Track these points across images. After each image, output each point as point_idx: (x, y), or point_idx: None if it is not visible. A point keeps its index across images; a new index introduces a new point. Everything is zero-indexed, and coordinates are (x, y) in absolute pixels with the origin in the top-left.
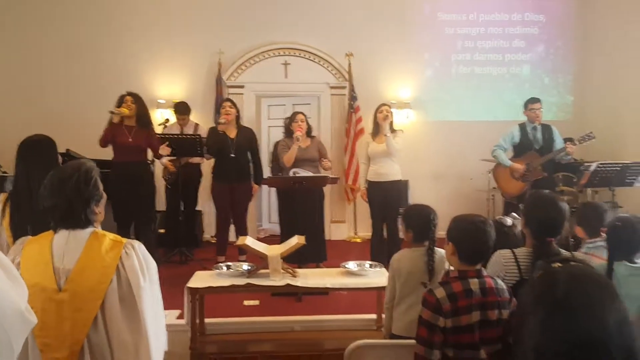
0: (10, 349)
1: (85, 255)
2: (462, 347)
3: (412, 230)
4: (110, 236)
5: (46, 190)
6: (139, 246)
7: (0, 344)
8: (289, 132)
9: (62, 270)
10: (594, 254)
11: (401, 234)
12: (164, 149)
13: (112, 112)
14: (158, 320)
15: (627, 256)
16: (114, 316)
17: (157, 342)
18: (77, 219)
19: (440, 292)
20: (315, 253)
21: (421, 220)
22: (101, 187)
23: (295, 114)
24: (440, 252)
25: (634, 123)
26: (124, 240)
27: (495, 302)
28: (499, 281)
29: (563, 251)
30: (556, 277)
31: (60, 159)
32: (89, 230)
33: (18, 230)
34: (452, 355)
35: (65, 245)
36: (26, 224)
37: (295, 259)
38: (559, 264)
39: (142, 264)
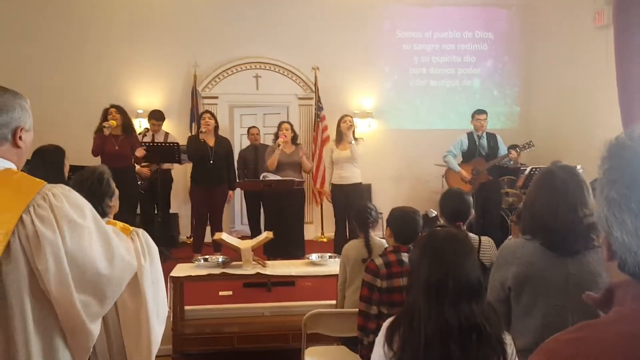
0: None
1: None
2: (394, 304)
3: (355, 223)
4: (120, 224)
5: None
6: (143, 233)
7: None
8: (276, 138)
9: None
10: None
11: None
12: (140, 152)
13: (104, 126)
14: (157, 292)
15: None
16: None
17: (156, 307)
18: None
19: (379, 261)
20: (294, 249)
21: (359, 215)
22: (113, 184)
23: (281, 123)
24: (380, 242)
25: (574, 131)
26: (131, 228)
27: None
28: None
29: (471, 234)
30: (437, 234)
31: (67, 166)
32: (105, 220)
33: None
34: (386, 312)
35: None
36: None
37: (275, 255)
38: (439, 228)
39: (144, 248)
